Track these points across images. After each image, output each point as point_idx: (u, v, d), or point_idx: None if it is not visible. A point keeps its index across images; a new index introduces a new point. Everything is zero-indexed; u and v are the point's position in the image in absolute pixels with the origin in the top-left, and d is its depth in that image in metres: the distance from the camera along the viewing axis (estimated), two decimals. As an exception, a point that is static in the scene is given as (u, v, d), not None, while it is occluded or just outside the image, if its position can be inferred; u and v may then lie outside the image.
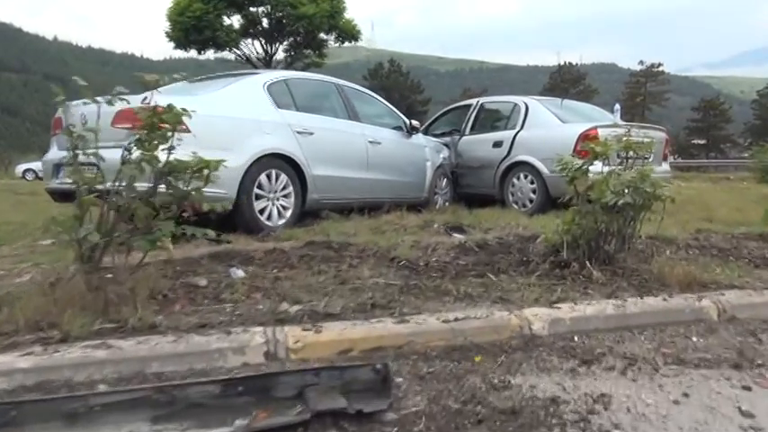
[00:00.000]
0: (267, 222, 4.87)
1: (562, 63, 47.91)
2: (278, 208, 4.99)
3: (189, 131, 4.47)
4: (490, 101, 8.03)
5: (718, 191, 10.63)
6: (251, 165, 4.71)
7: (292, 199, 5.10)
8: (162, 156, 2.75)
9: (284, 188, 5.03)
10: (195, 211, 4.89)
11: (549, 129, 6.76)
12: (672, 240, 3.85)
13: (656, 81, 45.81)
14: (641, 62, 44.74)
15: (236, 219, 4.75)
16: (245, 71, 5.94)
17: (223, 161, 2.68)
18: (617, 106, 7.20)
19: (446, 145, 7.74)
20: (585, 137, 6.28)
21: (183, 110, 2.60)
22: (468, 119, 7.81)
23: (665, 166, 7.13)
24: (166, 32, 19.04)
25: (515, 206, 6.87)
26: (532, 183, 6.70)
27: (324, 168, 5.40)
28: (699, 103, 48.67)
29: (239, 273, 2.99)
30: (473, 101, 8.04)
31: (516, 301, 2.50)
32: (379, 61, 39.46)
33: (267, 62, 18.46)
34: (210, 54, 18.67)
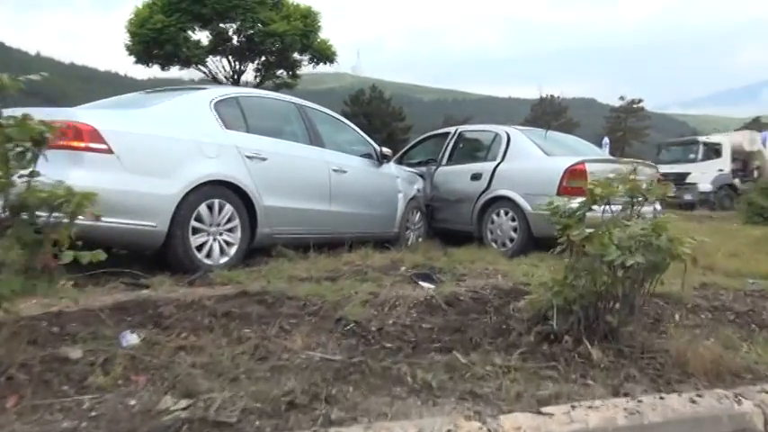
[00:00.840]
0: (206, 260, 4.16)
1: (544, 96, 48.24)
2: (220, 244, 4.29)
3: (111, 152, 3.82)
4: (470, 129, 7.45)
5: (706, 231, 10.15)
6: (188, 193, 4.02)
7: (238, 233, 4.41)
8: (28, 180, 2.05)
9: (229, 221, 4.34)
10: (122, 246, 4.19)
11: (532, 161, 6.18)
12: (677, 299, 3.23)
13: (636, 117, 46.13)
14: (622, 98, 45.12)
15: (168, 256, 4.04)
16: (195, 86, 5.27)
17: (91, 196, 1.98)
18: (605, 140, 6.68)
19: (421, 175, 7.13)
20: (572, 172, 5.72)
21: (43, 123, 1.90)
22: (446, 148, 7.22)
23: (657, 206, 6.60)
24: (126, 45, 17.84)
25: (494, 245, 6.25)
26: (513, 220, 6.09)
27: (278, 199, 4.72)
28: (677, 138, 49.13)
29: (131, 339, 2.27)
30: (451, 129, 7.46)
31: (491, 399, 1.83)
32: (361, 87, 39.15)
33: (235, 81, 17.42)
34: (176, 71, 17.69)
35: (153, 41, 16.88)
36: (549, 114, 42.20)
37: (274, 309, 2.70)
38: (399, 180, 6.35)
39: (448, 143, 7.24)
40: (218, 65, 18.29)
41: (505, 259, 5.50)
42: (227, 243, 4.34)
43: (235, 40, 17.26)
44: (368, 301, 2.85)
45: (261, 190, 4.55)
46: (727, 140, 17.35)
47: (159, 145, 3.97)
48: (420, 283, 3.54)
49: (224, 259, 4.30)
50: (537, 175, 5.96)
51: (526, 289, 3.22)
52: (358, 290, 3.12)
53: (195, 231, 4.10)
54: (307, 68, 18.47)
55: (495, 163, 6.39)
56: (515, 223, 6.06)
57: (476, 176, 6.52)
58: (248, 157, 4.50)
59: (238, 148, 4.45)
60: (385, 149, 6.12)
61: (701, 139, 17.97)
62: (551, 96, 45.43)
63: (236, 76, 17.16)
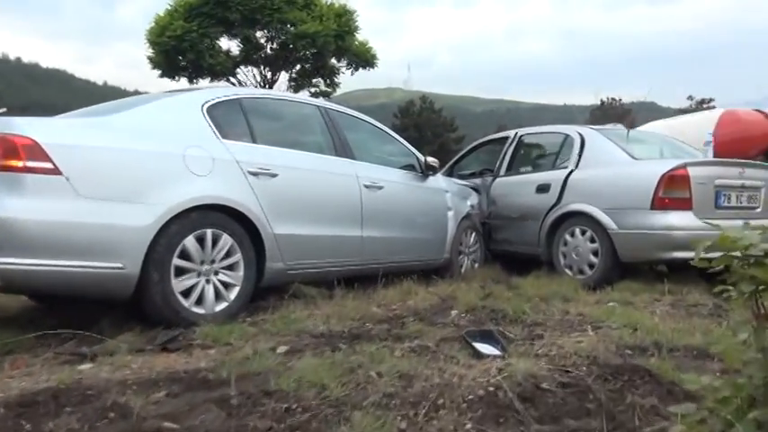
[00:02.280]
0: (196, 309, 3.19)
1: (602, 100, 45.91)
2: (215, 286, 3.32)
3: (58, 173, 2.92)
4: (532, 132, 6.27)
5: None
6: (168, 223, 3.07)
7: (240, 271, 3.43)
8: None
9: (227, 256, 3.37)
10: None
11: (615, 168, 4.95)
12: None
13: (706, 117, 42.97)
14: (690, 97, 42.06)
15: (144, 305, 3.10)
16: (188, 88, 4.33)
17: None
18: (708, 136, 5.34)
19: (475, 189, 6.01)
20: (671, 179, 4.48)
21: None
22: (504, 156, 6.07)
23: (778, 219, 5.23)
24: (149, 57, 16.10)
25: (568, 271, 5.04)
26: (593, 241, 4.87)
27: (293, 225, 3.73)
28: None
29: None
30: (510, 132, 6.30)
31: None
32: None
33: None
34: (206, 83, 16.62)
35: (174, 50, 15.19)
36: (610, 119, 39.88)
37: (239, 417, 1.66)
38: (449, 195, 5.26)
39: (506, 150, 6.09)
40: (249, 75, 16.70)
41: (587, 293, 4.32)
42: (226, 285, 3.36)
43: (268, 48, 15.88)
44: (393, 398, 1.77)
45: (270, 214, 3.57)
46: None
47: (126, 161, 3.04)
48: (478, 347, 2.42)
49: (221, 306, 3.32)
50: (623, 184, 4.75)
51: (645, 365, 2.06)
52: (382, 368, 2.04)
53: (180, 272, 3.14)
54: (346, 75, 17.01)
55: (567, 171, 5.20)
56: (595, 245, 4.84)
57: (543, 188, 5.35)
58: (252, 173, 3.52)
59: (239, 162, 3.49)
60: (430, 159, 5.04)
61: None
62: (612, 100, 43.02)
63: (267, 87, 16.07)
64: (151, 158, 3.14)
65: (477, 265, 5.61)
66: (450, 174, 6.88)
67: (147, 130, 3.24)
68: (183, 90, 4.10)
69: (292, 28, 15.04)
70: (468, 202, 5.63)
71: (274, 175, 3.64)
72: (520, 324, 3.05)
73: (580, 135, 5.34)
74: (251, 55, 16.10)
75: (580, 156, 5.20)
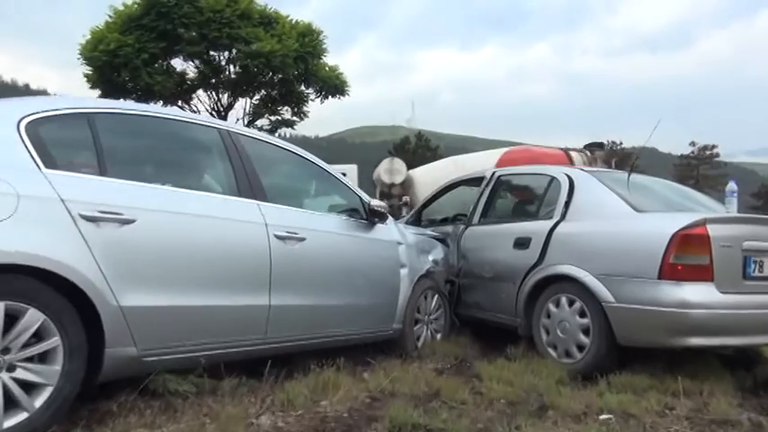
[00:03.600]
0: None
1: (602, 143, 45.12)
2: (7, 389, 2.19)
3: None
4: (513, 172, 5.19)
5: None
6: None
7: (57, 365, 2.31)
8: None
9: (35, 341, 2.26)
10: None
11: (612, 221, 3.86)
12: None
13: (709, 164, 42.22)
14: (693, 143, 41.44)
15: None
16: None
17: None
18: (733, 185, 4.25)
19: (442, 240, 4.93)
20: (685, 240, 3.40)
21: None
22: (479, 200, 5.00)
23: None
24: (85, 75, 14.04)
25: (552, 352, 3.92)
26: (583, 315, 3.75)
27: (154, 293, 2.63)
28: (759, 188, 44.67)
29: None
30: (486, 171, 5.24)
31: None
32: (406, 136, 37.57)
33: (222, 117, 15.00)
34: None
35: (108, 66, 13.08)
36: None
37: None
38: (403, 248, 4.17)
39: (482, 192, 5.02)
40: (206, 100, 14.74)
41: (573, 389, 3.21)
42: (30, 385, 2.24)
43: (229, 70, 14.02)
44: None
45: (115, 278, 2.47)
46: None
47: None
48: None
49: (16, 419, 2.20)
50: (622, 243, 3.66)
51: None
52: None
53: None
54: (316, 104, 15.14)
55: (552, 222, 4.13)
56: (586, 320, 3.72)
57: (522, 242, 4.27)
58: (88, 218, 2.44)
59: (66, 201, 2.40)
60: (376, 203, 3.97)
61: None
62: (612, 143, 42.32)
63: (222, 112, 14.71)
64: None
65: (439, 336, 4.49)
66: (417, 220, 5.82)
67: None
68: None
69: (247, 47, 13.32)
70: (431, 257, 4.54)
71: (128, 222, 2.55)
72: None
73: (568, 178, 4.28)
74: (209, 78, 14.36)
75: (568, 204, 4.12)
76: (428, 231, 4.95)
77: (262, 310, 3.09)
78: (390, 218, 4.20)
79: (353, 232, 3.80)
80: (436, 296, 4.49)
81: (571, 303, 3.84)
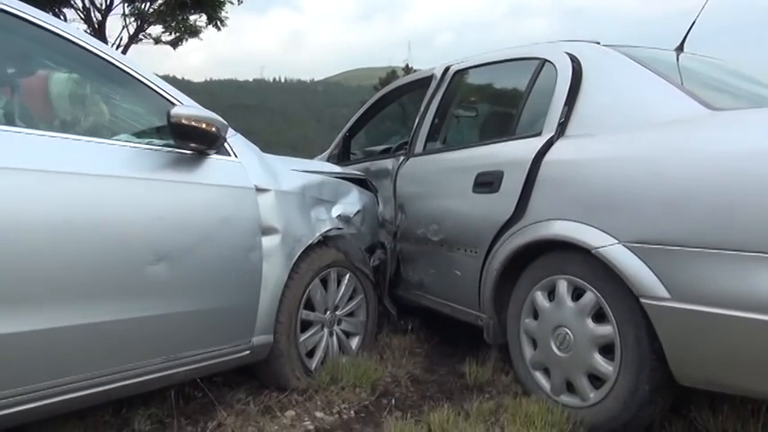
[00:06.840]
0: None
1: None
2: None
3: None
4: (478, 63, 3.03)
5: None
6: None
7: None
8: None
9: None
10: None
11: (664, 131, 1.94)
12: None
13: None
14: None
15: None
16: None
17: None
18: None
19: (361, 182, 3.05)
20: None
21: None
22: (424, 115, 3.08)
23: None
24: None
25: (541, 380, 2.12)
26: (601, 318, 1.92)
27: None
28: None
29: None
30: (436, 69, 3.26)
31: None
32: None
33: (98, 26, 11.78)
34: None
35: None
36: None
37: None
38: (269, 200, 2.26)
39: (429, 102, 3.10)
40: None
41: None
42: None
43: None
44: None
45: None
46: None
47: None
48: None
49: None
50: (695, 175, 1.75)
51: None
52: None
53: None
54: (234, 6, 12.28)
55: (540, 142, 2.22)
56: (607, 329, 1.89)
57: (486, 181, 2.39)
58: None
59: None
60: (187, 112, 2.02)
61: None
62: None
63: (103, 11, 11.88)
64: None
65: (356, 342, 2.69)
66: (343, 153, 3.92)
67: None
68: None
69: None
70: (336, 212, 2.66)
71: None
72: None
73: (570, 60, 2.34)
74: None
75: (570, 106, 2.21)
76: (335, 168, 3.05)
77: None
78: (243, 144, 2.29)
79: (154, 174, 1.90)
80: (347, 277, 2.64)
81: (577, 295, 2.00)
